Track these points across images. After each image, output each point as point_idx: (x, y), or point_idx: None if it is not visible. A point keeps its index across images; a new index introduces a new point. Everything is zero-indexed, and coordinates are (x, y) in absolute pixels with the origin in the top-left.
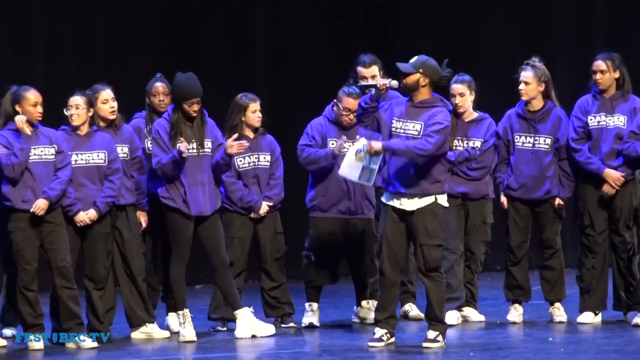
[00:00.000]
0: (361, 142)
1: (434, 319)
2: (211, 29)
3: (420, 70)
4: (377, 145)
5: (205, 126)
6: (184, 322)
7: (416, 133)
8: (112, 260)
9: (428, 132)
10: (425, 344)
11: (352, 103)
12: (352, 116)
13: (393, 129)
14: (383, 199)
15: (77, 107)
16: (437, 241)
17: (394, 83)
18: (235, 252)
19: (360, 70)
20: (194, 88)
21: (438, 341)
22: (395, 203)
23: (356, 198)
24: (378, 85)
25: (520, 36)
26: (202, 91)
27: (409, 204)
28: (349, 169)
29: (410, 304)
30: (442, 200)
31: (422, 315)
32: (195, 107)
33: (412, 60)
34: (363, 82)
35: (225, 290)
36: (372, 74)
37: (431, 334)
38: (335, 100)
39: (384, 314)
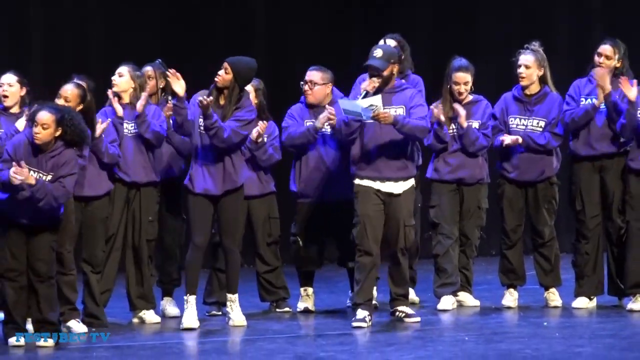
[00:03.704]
0: (379, 101)
1: (407, 295)
2: (211, 28)
3: (392, 61)
4: (389, 117)
5: (233, 108)
6: (187, 308)
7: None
8: (115, 242)
9: (421, 116)
10: (409, 320)
11: (307, 74)
12: (306, 87)
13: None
14: (362, 182)
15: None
16: (413, 222)
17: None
18: None
19: None
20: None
21: (414, 313)
22: (380, 186)
23: (338, 181)
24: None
25: (520, 36)
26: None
27: (396, 187)
28: (350, 104)
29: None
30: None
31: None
32: (220, 72)
33: (377, 54)
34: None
35: (227, 274)
36: None
37: (408, 309)
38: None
39: (366, 296)
